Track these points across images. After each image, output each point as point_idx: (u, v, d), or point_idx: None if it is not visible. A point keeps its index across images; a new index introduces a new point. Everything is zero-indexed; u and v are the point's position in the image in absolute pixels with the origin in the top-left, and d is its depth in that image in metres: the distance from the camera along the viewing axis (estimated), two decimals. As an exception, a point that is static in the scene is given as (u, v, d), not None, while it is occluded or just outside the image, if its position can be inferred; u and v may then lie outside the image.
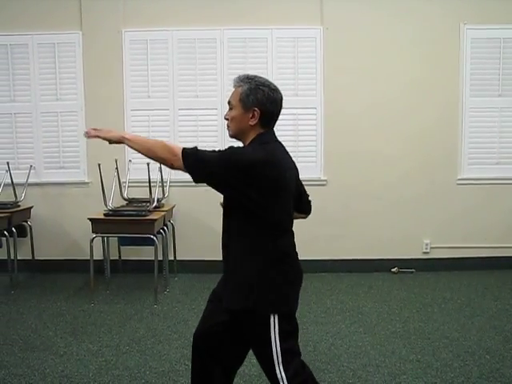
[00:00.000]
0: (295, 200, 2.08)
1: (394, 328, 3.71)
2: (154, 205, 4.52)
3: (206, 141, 5.13)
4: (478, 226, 5.21)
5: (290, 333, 1.96)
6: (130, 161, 5.07)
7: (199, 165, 1.87)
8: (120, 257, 5.20)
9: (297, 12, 5.08)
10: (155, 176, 4.64)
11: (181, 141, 5.15)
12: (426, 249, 5.26)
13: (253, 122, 1.95)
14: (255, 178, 1.85)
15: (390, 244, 5.20)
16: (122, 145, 2.04)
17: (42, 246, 5.20)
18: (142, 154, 1.94)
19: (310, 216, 2.31)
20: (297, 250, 2.05)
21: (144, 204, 4.68)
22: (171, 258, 5.05)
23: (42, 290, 4.68)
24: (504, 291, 4.56)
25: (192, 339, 2.14)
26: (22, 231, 4.98)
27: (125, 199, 4.95)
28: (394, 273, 5.17)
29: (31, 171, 5.15)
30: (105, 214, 4.37)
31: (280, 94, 2.00)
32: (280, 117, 2.04)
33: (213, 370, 2.08)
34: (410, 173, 5.17)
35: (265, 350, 1.92)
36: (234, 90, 2.00)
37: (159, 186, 4.76)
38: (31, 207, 5.13)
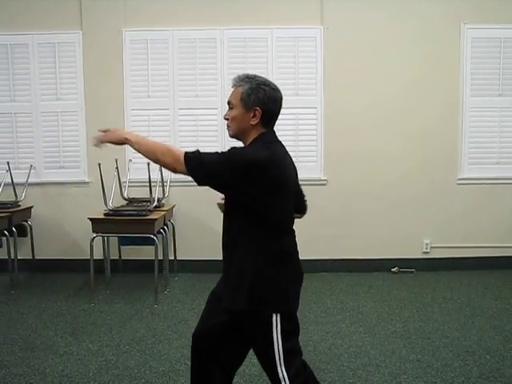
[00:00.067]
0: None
1: (394, 328, 3.71)
2: (154, 204, 4.52)
3: (205, 140, 5.14)
4: (478, 225, 5.21)
5: (291, 332, 1.96)
6: (130, 160, 5.07)
7: (202, 168, 1.88)
8: (120, 256, 5.20)
9: (297, 12, 5.08)
10: (155, 176, 4.64)
11: (181, 140, 5.16)
12: (426, 249, 5.26)
13: (254, 122, 1.95)
14: (258, 177, 1.85)
15: (390, 244, 5.20)
16: (122, 144, 2.04)
17: (42, 245, 5.20)
18: (145, 156, 1.95)
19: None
20: (297, 249, 2.05)
21: (144, 204, 4.68)
22: (171, 257, 5.06)
23: (42, 290, 4.68)
24: (504, 291, 4.57)
25: (191, 339, 2.13)
26: (23, 231, 4.99)
27: (125, 199, 4.95)
28: (394, 272, 5.18)
29: (31, 171, 5.16)
30: (105, 214, 4.37)
31: (280, 93, 2.00)
32: (280, 116, 2.03)
33: (212, 370, 2.08)
34: (410, 172, 5.17)
35: (267, 349, 1.91)
36: (233, 89, 1.99)
37: (159, 186, 4.76)
38: (31, 207, 5.13)
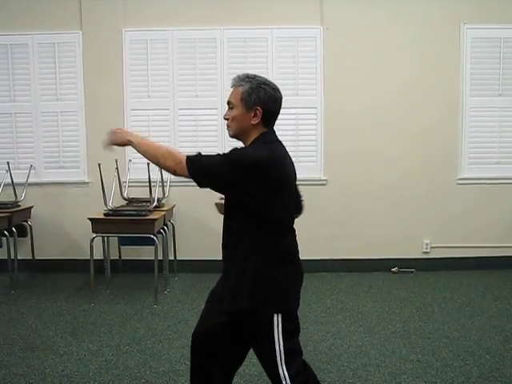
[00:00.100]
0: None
1: (394, 328, 3.71)
2: (154, 204, 4.52)
3: (206, 140, 5.15)
4: (478, 225, 5.21)
5: (292, 332, 1.96)
6: (130, 160, 5.07)
7: (203, 170, 1.89)
8: (120, 256, 5.20)
9: (297, 12, 5.08)
10: (155, 176, 4.63)
11: (181, 140, 5.16)
12: (426, 248, 5.26)
13: (255, 122, 1.95)
14: (259, 177, 1.85)
15: (390, 244, 5.20)
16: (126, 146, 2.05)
17: (42, 245, 5.20)
18: (146, 158, 1.95)
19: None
20: (298, 248, 2.05)
21: (144, 204, 4.68)
22: (171, 257, 5.06)
23: (42, 290, 4.68)
24: (504, 291, 4.57)
25: (191, 340, 2.13)
26: (22, 231, 4.99)
27: (125, 199, 4.95)
28: (394, 272, 5.17)
29: (31, 171, 5.16)
30: (105, 214, 4.37)
31: (280, 93, 2.00)
32: (280, 116, 2.04)
33: (212, 370, 2.07)
34: (410, 172, 5.17)
35: (268, 349, 1.92)
36: (233, 89, 1.99)
37: (159, 186, 4.76)
38: (31, 207, 5.13)
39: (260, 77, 1.99)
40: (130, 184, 4.99)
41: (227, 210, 2.01)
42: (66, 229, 5.27)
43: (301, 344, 2.03)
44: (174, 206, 5.07)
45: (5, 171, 4.95)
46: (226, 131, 2.05)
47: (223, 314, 2.00)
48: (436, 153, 5.15)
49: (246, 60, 5.10)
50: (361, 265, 5.18)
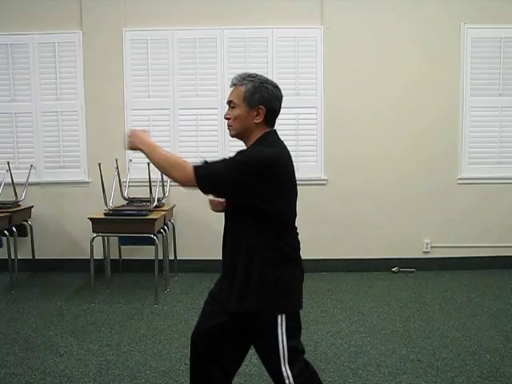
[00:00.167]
0: None
1: (394, 327, 3.71)
2: (155, 204, 4.52)
3: (206, 140, 5.15)
4: (478, 225, 5.21)
5: (295, 330, 1.97)
6: (130, 160, 5.07)
7: (213, 177, 1.85)
8: (120, 256, 5.20)
9: (297, 11, 5.08)
10: (155, 175, 4.63)
11: (181, 140, 5.16)
12: (427, 248, 5.26)
13: (258, 120, 1.95)
14: (269, 175, 1.86)
15: (390, 243, 5.20)
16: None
17: (43, 245, 5.20)
18: (156, 168, 1.94)
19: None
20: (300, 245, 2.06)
21: (144, 203, 4.68)
22: (171, 257, 5.06)
23: (42, 290, 4.68)
24: (504, 290, 4.57)
25: (190, 340, 2.13)
26: (23, 231, 4.99)
27: (125, 199, 4.95)
28: (394, 272, 5.17)
29: (31, 171, 5.16)
30: (105, 214, 4.37)
31: (281, 91, 2.01)
32: (280, 116, 2.04)
33: (212, 370, 2.07)
34: (410, 172, 5.17)
35: (271, 348, 1.92)
36: (233, 88, 1.99)
37: (159, 186, 4.76)
38: (31, 207, 5.13)
39: (261, 76, 1.99)
40: (130, 184, 4.99)
41: (231, 209, 2.01)
42: (67, 228, 5.28)
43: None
44: (174, 206, 5.07)
45: (5, 171, 4.95)
46: (226, 131, 2.04)
47: (223, 315, 2.00)
48: (436, 152, 5.15)
49: (246, 60, 5.10)
50: (361, 265, 5.18)
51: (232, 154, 1.93)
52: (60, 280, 4.97)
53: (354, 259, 5.21)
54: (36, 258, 5.15)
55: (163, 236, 4.64)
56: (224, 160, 1.90)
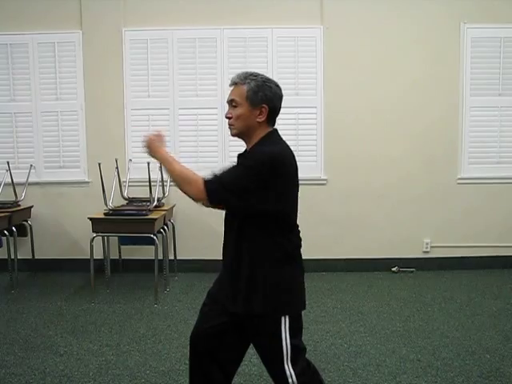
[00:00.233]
0: None
1: (394, 327, 3.71)
2: (154, 204, 4.52)
3: (206, 140, 5.15)
4: (478, 225, 5.21)
5: (297, 329, 1.98)
6: (130, 160, 5.07)
7: (222, 191, 1.84)
8: (120, 256, 5.20)
9: (297, 11, 5.07)
10: (155, 175, 4.64)
11: (181, 140, 5.16)
12: (427, 248, 5.26)
13: (261, 119, 1.95)
14: (279, 173, 1.87)
15: (390, 243, 5.20)
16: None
17: (43, 245, 5.20)
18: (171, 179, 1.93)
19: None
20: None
21: (144, 203, 4.68)
22: (171, 257, 5.06)
23: (42, 290, 4.68)
24: (504, 290, 4.57)
25: (189, 340, 2.12)
26: (23, 231, 4.99)
27: (125, 198, 4.95)
28: (394, 272, 5.17)
29: (31, 171, 5.15)
30: (105, 214, 4.37)
31: (281, 90, 2.02)
32: (280, 116, 2.05)
33: (211, 371, 2.07)
34: (410, 172, 5.17)
35: (274, 347, 1.92)
36: (234, 87, 1.98)
37: (159, 186, 4.76)
38: (31, 207, 5.13)
39: (262, 74, 1.99)
40: (130, 184, 4.99)
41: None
42: (66, 228, 5.28)
43: (301, 343, 2.03)
44: (174, 206, 5.07)
45: (5, 171, 4.95)
46: (226, 131, 2.04)
47: (223, 315, 2.00)
48: (436, 152, 5.15)
49: (246, 60, 5.10)
50: (361, 264, 5.18)
51: (232, 154, 1.92)
52: (60, 280, 4.97)
53: (354, 259, 5.21)
54: (36, 257, 5.14)
55: (163, 236, 4.64)
56: (230, 169, 1.89)
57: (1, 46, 5.18)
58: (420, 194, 5.18)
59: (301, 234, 2.05)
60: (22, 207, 4.97)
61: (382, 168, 5.17)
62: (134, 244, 4.85)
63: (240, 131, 1.98)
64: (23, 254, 5.08)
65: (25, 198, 5.01)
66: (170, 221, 4.99)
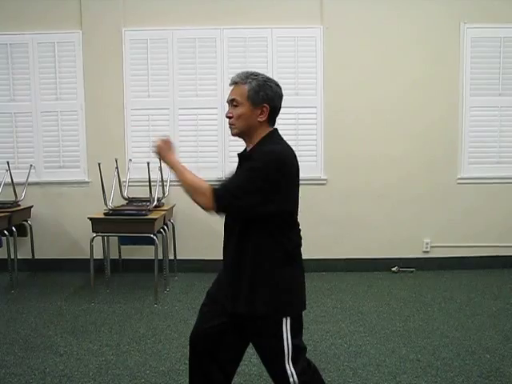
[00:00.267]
0: None
1: (394, 327, 3.71)
2: (154, 204, 4.52)
3: (206, 140, 5.14)
4: (478, 225, 5.21)
5: (298, 329, 1.99)
6: (130, 160, 5.07)
7: (231, 198, 1.83)
8: (120, 256, 5.20)
9: (297, 11, 5.07)
10: (155, 175, 4.64)
11: (181, 140, 5.15)
12: (427, 248, 5.26)
13: (262, 119, 1.96)
14: (284, 172, 1.88)
15: (390, 243, 5.20)
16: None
17: (42, 245, 5.20)
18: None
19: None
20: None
21: (144, 203, 4.68)
22: (171, 257, 5.06)
23: (42, 290, 4.68)
24: (504, 290, 4.57)
25: (189, 341, 2.12)
26: (22, 230, 4.99)
27: (125, 198, 4.95)
28: (394, 272, 5.17)
29: (31, 170, 5.15)
30: (105, 214, 4.37)
31: (281, 89, 2.03)
32: (280, 116, 2.05)
33: (211, 371, 2.06)
34: (410, 172, 5.17)
35: (276, 347, 1.92)
36: (234, 87, 1.98)
37: (159, 186, 4.76)
38: (31, 206, 5.13)
39: (262, 74, 2.00)
40: (130, 183, 4.99)
41: None
42: (66, 228, 5.27)
43: (301, 343, 2.03)
44: (173, 206, 5.07)
45: (5, 171, 4.94)
46: (226, 131, 2.05)
47: (223, 315, 2.00)
48: (436, 152, 5.15)
49: (245, 60, 5.10)
50: (361, 264, 5.18)
51: (232, 154, 1.92)
52: (60, 280, 4.97)
53: (354, 259, 5.21)
54: (36, 257, 5.14)
55: (163, 236, 4.64)
56: (237, 175, 1.89)
57: (1, 46, 5.18)
58: (420, 194, 5.18)
59: (301, 234, 2.05)
60: (21, 207, 4.96)
61: (381, 168, 5.17)
62: (134, 244, 4.85)
63: (241, 131, 1.98)
64: (23, 253, 5.08)
65: (25, 198, 5.01)
66: (169, 221, 4.99)
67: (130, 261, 5.20)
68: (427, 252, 5.27)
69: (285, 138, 2.06)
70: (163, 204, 4.90)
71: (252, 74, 1.97)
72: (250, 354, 2.10)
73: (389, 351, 3.28)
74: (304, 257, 2.05)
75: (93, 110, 5.17)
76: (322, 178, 5.18)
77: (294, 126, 5.08)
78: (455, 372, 2.97)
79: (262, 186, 1.84)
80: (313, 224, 4.93)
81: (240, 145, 2.10)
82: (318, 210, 5.06)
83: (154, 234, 4.30)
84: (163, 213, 4.62)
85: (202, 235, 5.11)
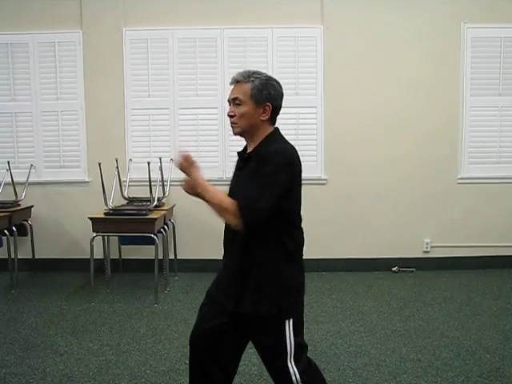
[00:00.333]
0: None
1: (394, 327, 3.71)
2: (155, 204, 4.52)
3: (206, 140, 5.14)
4: (478, 225, 5.21)
5: (300, 327, 1.99)
6: (130, 160, 5.07)
7: (255, 211, 1.83)
8: (120, 256, 5.20)
9: (297, 11, 5.07)
10: (155, 175, 4.64)
11: (181, 140, 5.16)
12: (427, 248, 5.26)
13: (264, 117, 1.96)
14: (291, 173, 1.91)
15: (390, 243, 5.20)
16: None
17: (43, 245, 5.20)
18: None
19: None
20: None
21: (144, 203, 4.68)
22: (171, 257, 5.06)
23: (42, 289, 4.68)
24: (504, 290, 4.56)
25: (189, 341, 2.12)
26: (23, 230, 4.99)
27: (125, 198, 4.95)
28: (394, 272, 5.17)
29: (31, 170, 5.15)
30: (105, 213, 4.37)
31: (282, 88, 2.03)
32: (280, 116, 2.06)
33: (211, 371, 2.06)
34: (410, 172, 5.17)
35: (278, 346, 1.92)
36: (236, 86, 1.98)
37: (159, 185, 4.76)
38: (31, 206, 5.13)
39: (264, 73, 2.00)
40: (130, 183, 4.99)
41: None
42: (67, 228, 5.28)
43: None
44: (174, 206, 5.07)
45: (5, 170, 4.95)
46: (226, 131, 2.05)
47: (223, 315, 2.00)
48: (436, 152, 5.15)
49: (246, 59, 5.10)
50: (361, 264, 5.18)
51: (232, 154, 1.91)
52: (60, 280, 4.97)
53: (354, 259, 5.21)
54: (36, 257, 5.15)
55: (163, 236, 4.64)
56: (254, 185, 1.85)
57: (1, 46, 5.18)
58: (420, 194, 5.18)
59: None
60: (22, 207, 4.97)
61: (382, 168, 5.17)
62: (134, 244, 4.85)
63: (243, 129, 1.98)
64: (23, 253, 5.08)
65: (25, 198, 5.01)
66: (170, 220, 4.99)
67: (130, 261, 5.20)
68: (427, 252, 5.27)
69: (285, 138, 2.07)
70: (163, 204, 4.90)
71: (254, 72, 1.97)
72: (250, 354, 2.10)
73: (389, 351, 3.28)
74: (304, 257, 2.05)
75: (93, 110, 5.17)
76: (322, 177, 5.18)
77: (294, 125, 5.08)
78: (455, 372, 2.97)
79: (279, 190, 1.86)
80: (313, 224, 4.90)
81: (241, 145, 2.10)
82: (318, 210, 5.05)
83: (155, 234, 4.30)
84: (163, 213, 4.62)
85: (202, 235, 5.11)
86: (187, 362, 2.17)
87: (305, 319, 2.05)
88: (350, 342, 3.45)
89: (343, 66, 5.10)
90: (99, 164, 4.45)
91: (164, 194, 4.90)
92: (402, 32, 5.09)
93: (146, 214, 4.34)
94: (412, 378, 2.90)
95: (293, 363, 1.92)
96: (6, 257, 4.68)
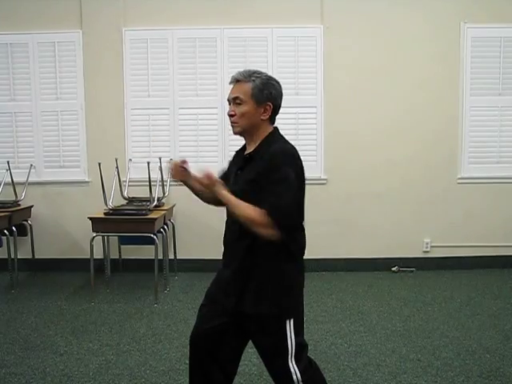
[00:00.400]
0: None
1: (394, 327, 3.71)
2: (154, 204, 4.52)
3: (206, 140, 5.14)
4: (478, 224, 5.21)
5: (300, 327, 2.00)
6: (130, 160, 5.07)
7: (289, 216, 1.87)
8: (120, 256, 5.20)
9: (297, 11, 5.07)
10: (155, 175, 4.64)
11: (181, 140, 5.16)
12: (427, 248, 5.26)
13: (265, 117, 1.96)
14: (299, 172, 1.93)
15: (390, 243, 5.20)
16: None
17: (43, 245, 5.20)
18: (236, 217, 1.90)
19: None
20: None
21: (144, 203, 4.68)
22: (171, 257, 5.06)
23: (42, 289, 4.68)
24: (504, 290, 4.56)
25: (189, 342, 2.11)
26: (23, 230, 4.99)
27: (125, 198, 4.95)
28: (394, 272, 5.17)
29: (31, 170, 5.15)
30: (105, 213, 4.37)
31: (282, 88, 2.03)
32: (280, 116, 2.06)
33: (211, 371, 2.06)
34: (410, 171, 5.17)
35: (279, 345, 1.92)
36: (236, 85, 1.97)
37: (159, 185, 4.76)
38: (31, 206, 5.13)
39: (264, 72, 2.00)
40: (130, 183, 4.99)
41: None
42: (66, 228, 5.27)
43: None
44: (174, 206, 5.07)
45: (5, 170, 4.95)
46: (226, 131, 2.05)
47: (223, 315, 2.00)
48: (436, 152, 5.15)
49: (246, 59, 5.09)
50: (361, 264, 5.18)
51: (232, 154, 1.91)
52: (60, 279, 4.97)
53: (354, 258, 5.21)
54: (36, 257, 5.14)
55: (163, 235, 4.64)
56: (277, 193, 1.84)
57: (1, 46, 5.18)
58: (420, 194, 5.18)
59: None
60: (22, 207, 4.97)
61: (381, 168, 5.17)
62: (134, 244, 4.85)
63: (244, 129, 1.98)
64: (23, 253, 5.08)
65: (25, 198, 5.01)
66: (169, 220, 4.98)
67: (130, 260, 5.20)
68: (427, 252, 5.27)
69: (285, 137, 2.07)
70: (163, 204, 4.90)
71: (255, 72, 1.97)
72: (250, 354, 2.10)
73: (389, 351, 3.28)
74: (304, 256, 2.05)
75: (93, 110, 5.17)
76: (322, 177, 5.18)
77: (294, 125, 5.08)
78: (455, 372, 2.97)
79: (296, 189, 1.88)
80: (313, 224, 4.91)
81: (241, 145, 2.10)
82: (318, 210, 5.05)
83: (154, 234, 4.30)
84: (163, 212, 4.62)
85: (202, 235, 5.11)
86: (187, 362, 2.17)
87: (305, 319, 2.05)
88: (349, 341, 3.45)
89: (343, 66, 5.10)
90: (99, 164, 4.45)
91: (164, 193, 4.89)
92: (401, 32, 5.09)
93: (146, 214, 4.34)
94: (412, 378, 2.90)
95: (293, 363, 1.92)
96: (6, 257, 4.68)
